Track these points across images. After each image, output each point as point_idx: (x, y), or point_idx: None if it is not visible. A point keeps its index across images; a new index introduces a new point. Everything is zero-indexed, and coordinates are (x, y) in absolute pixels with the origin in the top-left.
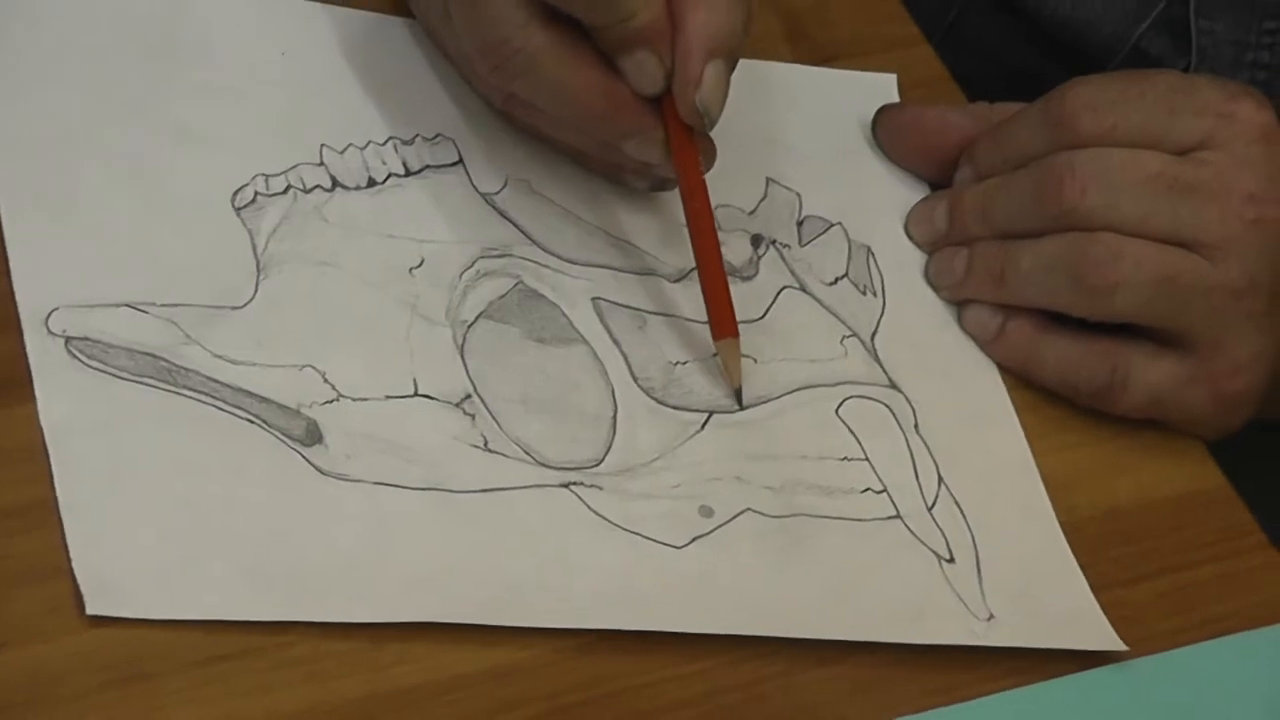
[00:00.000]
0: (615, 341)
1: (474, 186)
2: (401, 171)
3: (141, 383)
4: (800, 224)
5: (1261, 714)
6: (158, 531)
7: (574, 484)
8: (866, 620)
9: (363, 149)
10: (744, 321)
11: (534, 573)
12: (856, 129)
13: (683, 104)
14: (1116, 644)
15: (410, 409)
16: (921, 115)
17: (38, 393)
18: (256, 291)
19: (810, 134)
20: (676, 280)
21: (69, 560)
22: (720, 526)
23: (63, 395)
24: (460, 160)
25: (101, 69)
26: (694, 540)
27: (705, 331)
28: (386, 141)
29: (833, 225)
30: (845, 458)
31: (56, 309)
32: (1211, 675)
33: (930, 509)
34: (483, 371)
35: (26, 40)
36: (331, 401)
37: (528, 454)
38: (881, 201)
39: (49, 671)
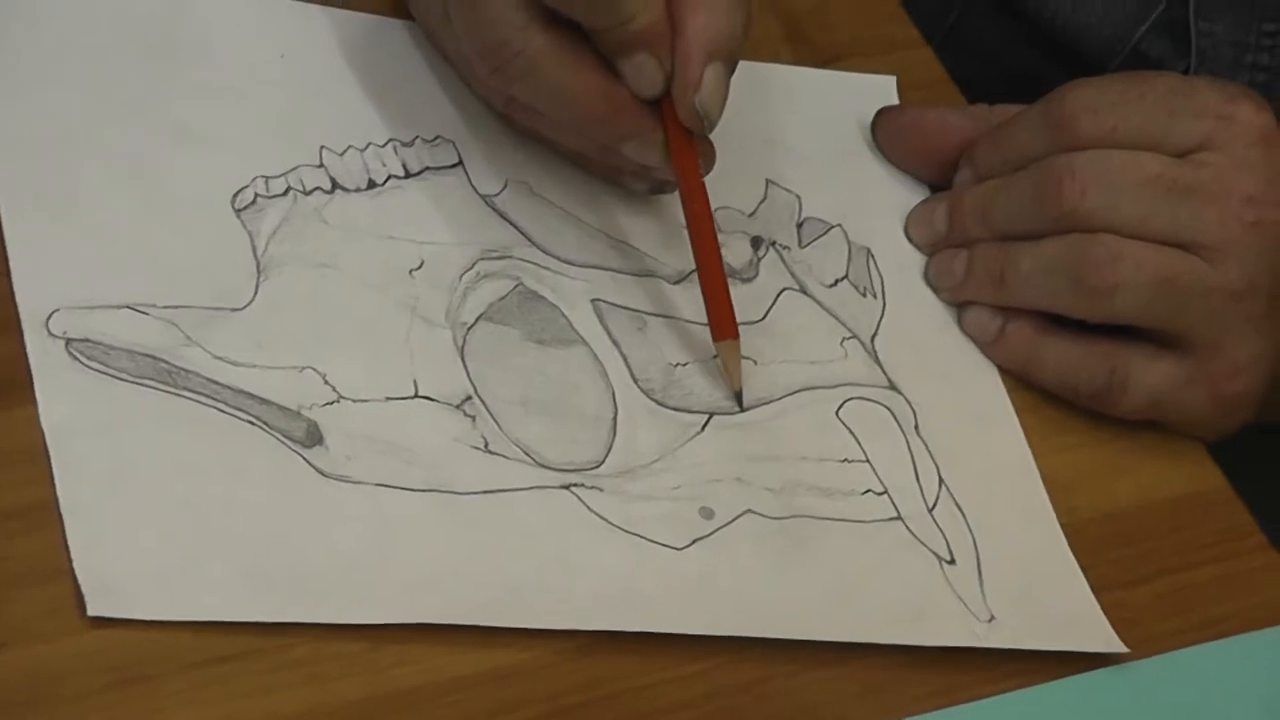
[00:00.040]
0: (615, 343)
1: (474, 188)
2: (401, 173)
3: (142, 384)
4: (800, 226)
5: (1261, 715)
6: (158, 533)
7: (574, 485)
8: (867, 622)
9: (363, 151)
10: (744, 323)
11: (534, 574)
12: (856, 131)
13: (682, 107)
14: (1117, 645)
15: (411, 411)
16: (921, 117)
17: (38, 394)
18: (257, 293)
19: (810, 136)
20: (676, 282)
21: (70, 561)
22: (721, 528)
23: (64, 397)
24: (460, 162)
25: (101, 69)
26: (694, 542)
27: (705, 333)
28: (386, 143)
29: (832, 227)
30: (846, 459)
31: (57, 310)
32: (1212, 677)
33: (931, 510)
34: (483, 373)
35: (26, 40)
36: (332, 403)
37: (528, 455)
38: (881, 203)
39: (50, 672)
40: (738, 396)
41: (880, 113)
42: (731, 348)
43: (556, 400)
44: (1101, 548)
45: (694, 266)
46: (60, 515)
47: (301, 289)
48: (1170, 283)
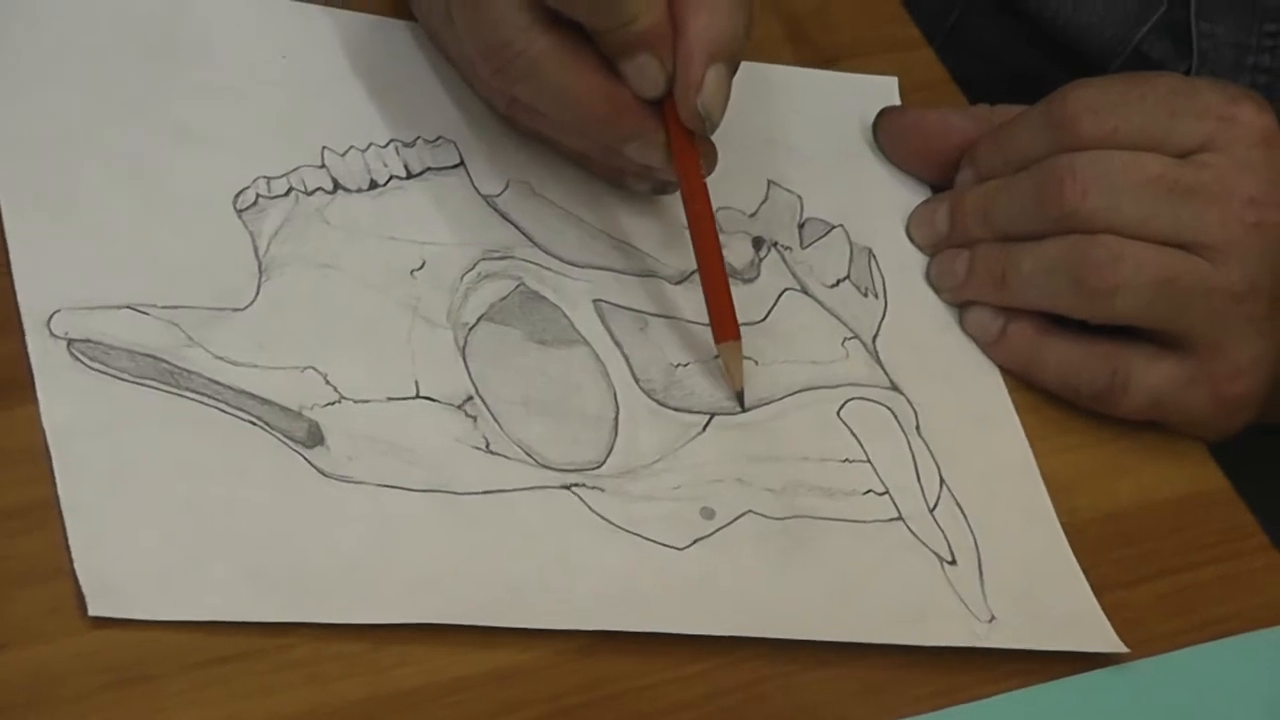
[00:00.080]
0: (617, 343)
1: (475, 189)
2: (403, 174)
3: (143, 384)
4: (801, 226)
5: (1262, 716)
6: (160, 533)
7: (575, 485)
8: (868, 622)
9: (364, 151)
10: (745, 324)
11: (535, 574)
12: (858, 131)
13: (684, 108)
14: (1118, 646)
15: (412, 411)
16: (923, 118)
17: (40, 394)
18: (258, 293)
19: (811, 136)
20: (678, 282)
21: (71, 561)
22: (722, 528)
23: (65, 397)
24: (462, 162)
25: (102, 69)
26: (695, 542)
27: (707, 333)
28: (388, 144)
29: (834, 227)
30: (847, 459)
31: (58, 311)
32: (1212, 677)
33: (932, 511)
34: (484, 373)
35: (26, 40)
36: (333, 403)
37: (529, 456)
38: (883, 204)
39: (50, 672)
40: (739, 397)
41: (882, 113)
42: (733, 348)
43: (558, 400)
44: (1102, 548)
45: (695, 267)
46: (61, 515)
47: (303, 289)
48: (1171, 283)
